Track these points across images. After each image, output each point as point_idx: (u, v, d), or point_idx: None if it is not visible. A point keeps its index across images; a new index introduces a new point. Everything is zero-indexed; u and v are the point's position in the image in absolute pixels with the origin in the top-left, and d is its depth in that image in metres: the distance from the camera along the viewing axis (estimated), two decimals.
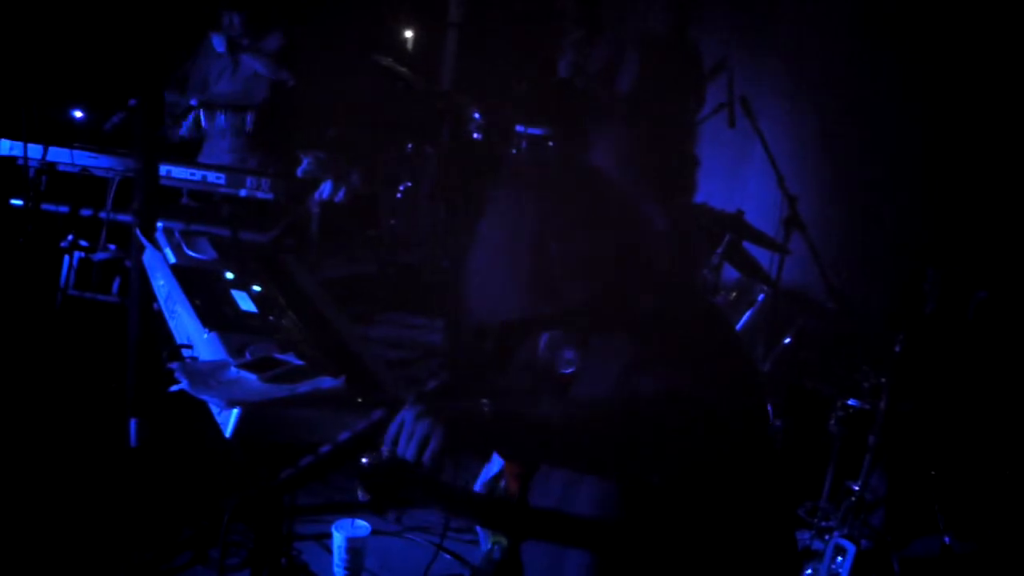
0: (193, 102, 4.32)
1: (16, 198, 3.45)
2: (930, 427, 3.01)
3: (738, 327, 3.80)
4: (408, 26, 7.14)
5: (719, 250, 3.45)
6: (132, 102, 3.71)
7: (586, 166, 1.76)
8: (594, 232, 1.54)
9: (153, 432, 2.78)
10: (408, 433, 1.37)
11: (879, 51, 4.76)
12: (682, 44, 4.90)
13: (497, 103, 5.23)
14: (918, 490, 2.98)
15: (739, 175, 5.30)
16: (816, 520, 2.96)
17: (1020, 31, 4.19)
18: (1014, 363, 3.12)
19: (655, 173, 4.54)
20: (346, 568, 2.70)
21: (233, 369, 1.88)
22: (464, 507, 1.84)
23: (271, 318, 2.27)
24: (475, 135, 5.14)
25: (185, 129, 4.30)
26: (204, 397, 1.77)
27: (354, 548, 2.70)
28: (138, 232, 2.71)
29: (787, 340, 3.55)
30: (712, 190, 5.14)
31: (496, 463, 2.41)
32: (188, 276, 2.41)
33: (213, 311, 2.21)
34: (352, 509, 2.90)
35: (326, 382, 1.84)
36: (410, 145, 5.85)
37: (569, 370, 1.56)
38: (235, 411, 1.73)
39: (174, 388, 1.80)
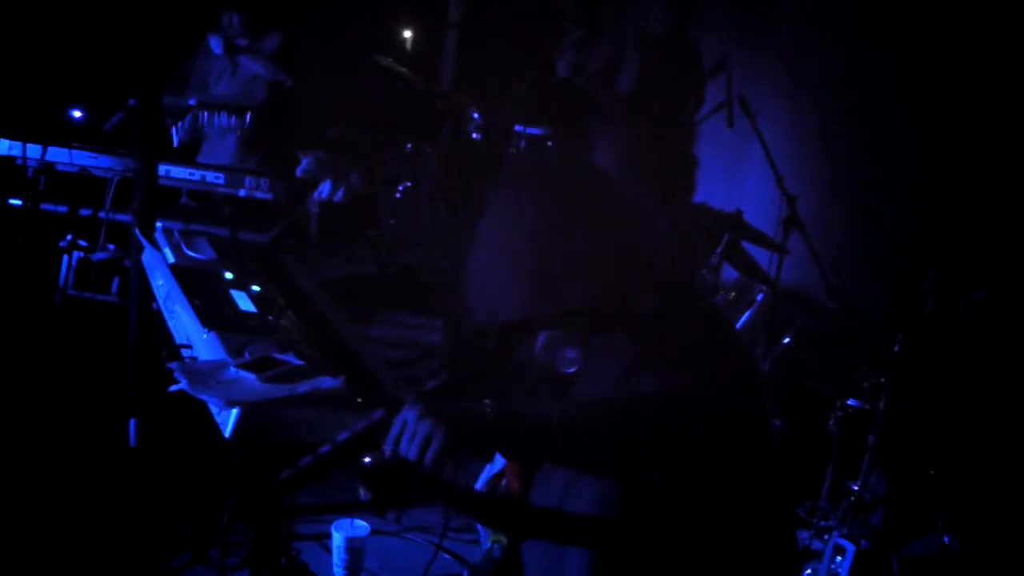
0: (192, 102, 4.32)
1: (15, 198, 3.46)
2: (930, 427, 3.01)
3: (737, 327, 3.79)
4: (408, 26, 7.13)
5: (718, 250, 3.46)
6: (131, 102, 3.71)
7: (586, 166, 1.77)
8: (594, 232, 1.54)
9: (153, 432, 2.78)
10: (410, 433, 1.37)
11: (879, 51, 4.76)
12: (682, 44, 4.90)
13: (497, 103, 5.21)
14: (917, 490, 2.98)
15: (738, 175, 5.30)
16: (815, 520, 2.96)
17: (1020, 31, 4.19)
18: (1014, 363, 3.12)
19: (655, 173, 4.54)
20: (346, 568, 2.69)
21: (232, 369, 1.88)
22: (465, 505, 1.85)
23: (270, 318, 2.27)
24: (475, 135, 5.13)
25: (183, 132, 4.30)
26: (203, 397, 1.76)
27: (354, 548, 2.70)
28: (137, 232, 2.72)
29: (787, 340, 3.55)
30: (711, 190, 5.14)
31: (498, 462, 2.41)
32: (187, 276, 2.41)
33: (212, 311, 2.20)
34: (352, 509, 2.90)
35: (326, 382, 1.83)
36: (410, 145, 5.84)
37: (570, 370, 1.56)
38: (234, 411, 1.72)
39: (173, 388, 1.80)
